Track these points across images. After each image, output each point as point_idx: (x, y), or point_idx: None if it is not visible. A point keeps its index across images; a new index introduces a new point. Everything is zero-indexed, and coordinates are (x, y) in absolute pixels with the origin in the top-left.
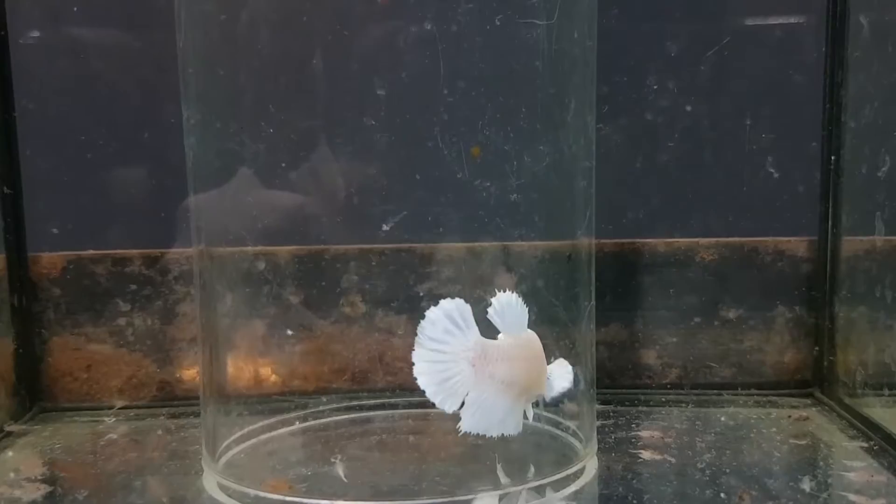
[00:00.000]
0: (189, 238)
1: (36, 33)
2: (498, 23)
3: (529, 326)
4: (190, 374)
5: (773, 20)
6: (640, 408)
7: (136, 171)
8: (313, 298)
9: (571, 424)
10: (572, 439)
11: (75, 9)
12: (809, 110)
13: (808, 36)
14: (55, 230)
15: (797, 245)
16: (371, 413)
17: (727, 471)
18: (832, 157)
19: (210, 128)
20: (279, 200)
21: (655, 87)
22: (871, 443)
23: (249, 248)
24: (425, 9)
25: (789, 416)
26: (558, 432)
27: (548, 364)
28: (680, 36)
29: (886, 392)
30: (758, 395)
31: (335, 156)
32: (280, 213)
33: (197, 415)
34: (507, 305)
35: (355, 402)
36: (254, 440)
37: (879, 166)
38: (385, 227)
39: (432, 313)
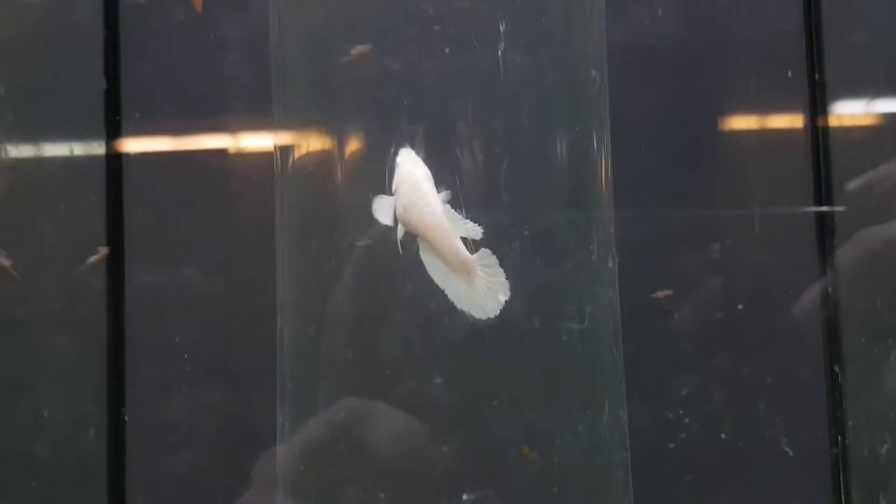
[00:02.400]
0: None
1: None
2: (537, 324)
3: None
4: None
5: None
6: None
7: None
8: None
9: None
10: None
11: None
12: (815, 400)
13: (809, 334)
14: None
15: None
16: None
17: None
18: (838, 438)
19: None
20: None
21: (675, 380)
22: None
23: None
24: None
25: None
26: None
27: None
28: (691, 339)
29: None
30: None
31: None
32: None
33: None
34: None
35: None
36: None
37: (879, 449)
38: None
39: None
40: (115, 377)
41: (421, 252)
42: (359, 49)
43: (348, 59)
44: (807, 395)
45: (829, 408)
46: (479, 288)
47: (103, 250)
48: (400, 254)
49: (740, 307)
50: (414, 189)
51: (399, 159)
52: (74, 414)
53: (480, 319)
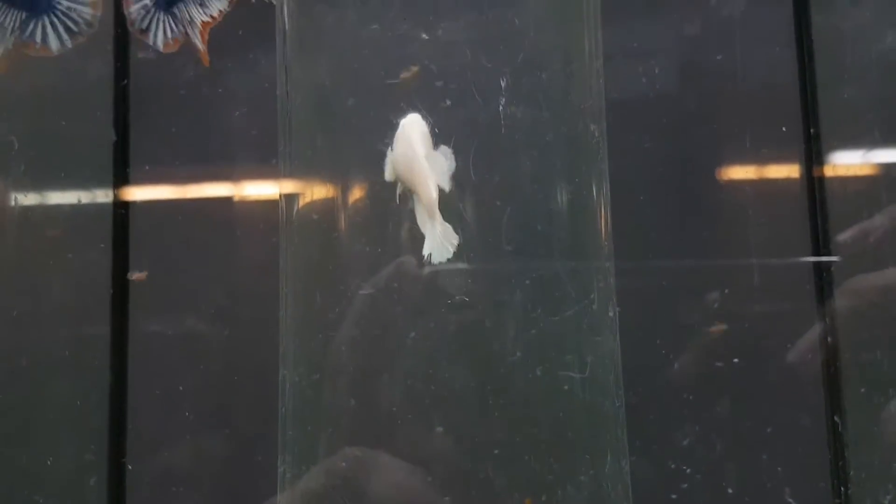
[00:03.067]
0: None
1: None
2: (538, 373)
3: None
4: None
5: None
6: None
7: None
8: None
9: None
10: None
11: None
12: (817, 451)
13: (809, 383)
14: None
15: None
16: None
17: None
18: (841, 489)
19: None
20: None
21: (676, 430)
22: None
23: None
24: (476, 368)
25: None
26: None
27: None
28: (691, 389)
29: None
30: None
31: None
32: None
33: None
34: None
35: None
36: None
37: (882, 500)
38: None
39: None
40: (118, 425)
41: (415, 205)
42: (408, 71)
43: (398, 81)
44: (809, 445)
45: (832, 458)
46: (438, 233)
47: (143, 274)
48: (397, 203)
49: (740, 357)
50: (404, 140)
51: (402, 120)
52: (76, 462)
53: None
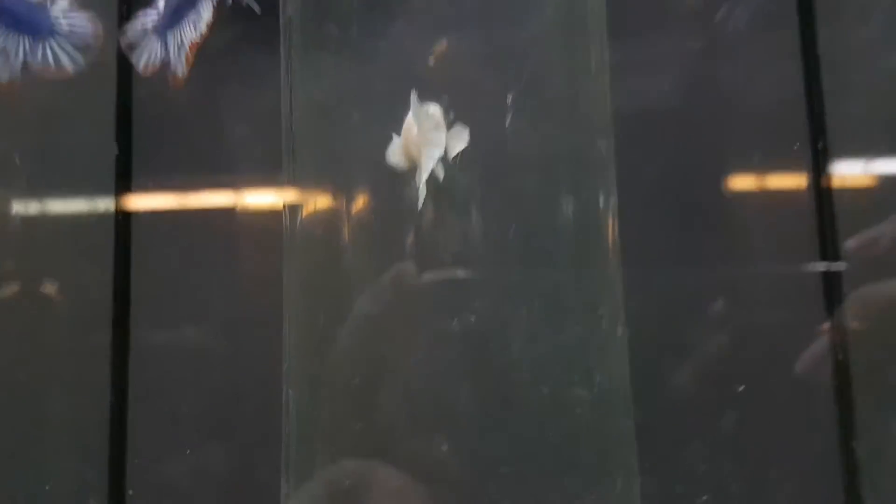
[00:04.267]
0: None
1: None
2: (546, 391)
3: None
4: None
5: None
6: None
7: None
8: None
9: None
10: None
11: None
12: (829, 471)
13: (819, 400)
14: None
15: None
16: None
17: None
18: None
19: None
20: None
21: (684, 450)
22: None
23: None
24: (482, 386)
25: None
26: None
27: None
28: (699, 406)
29: None
30: None
31: None
32: None
33: None
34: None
35: None
36: None
37: None
38: None
39: None
40: (118, 445)
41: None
42: (438, 48)
43: (432, 60)
44: (820, 464)
45: (843, 478)
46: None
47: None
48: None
49: (751, 373)
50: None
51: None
52: (75, 484)
53: None
